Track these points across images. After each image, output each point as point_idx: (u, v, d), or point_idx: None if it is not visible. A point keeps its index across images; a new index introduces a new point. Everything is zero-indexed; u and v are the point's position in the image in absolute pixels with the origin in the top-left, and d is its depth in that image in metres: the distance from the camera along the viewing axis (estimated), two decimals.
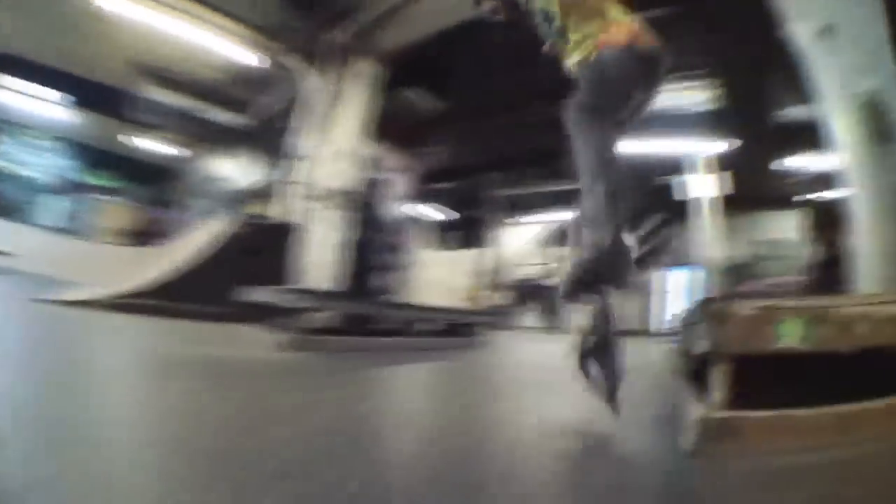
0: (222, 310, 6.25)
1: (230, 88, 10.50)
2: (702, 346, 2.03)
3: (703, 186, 12.63)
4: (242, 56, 9.07)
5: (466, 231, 20.24)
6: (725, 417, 1.83)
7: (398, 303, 8.48)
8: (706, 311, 1.92)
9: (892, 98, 4.99)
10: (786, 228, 18.02)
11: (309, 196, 8.18)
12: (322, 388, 2.98)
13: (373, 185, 8.93)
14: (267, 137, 10.21)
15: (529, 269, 20.55)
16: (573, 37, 2.79)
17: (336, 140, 8.52)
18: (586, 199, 2.50)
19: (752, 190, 16.26)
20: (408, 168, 11.99)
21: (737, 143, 12.88)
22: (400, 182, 11.20)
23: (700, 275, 17.59)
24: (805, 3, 5.67)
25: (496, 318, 12.23)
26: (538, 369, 5.21)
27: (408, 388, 3.59)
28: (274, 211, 8.57)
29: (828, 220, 6.79)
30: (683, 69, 10.29)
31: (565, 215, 19.06)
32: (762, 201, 17.56)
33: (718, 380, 1.91)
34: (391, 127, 10.46)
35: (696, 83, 11.04)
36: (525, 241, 20.71)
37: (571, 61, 2.82)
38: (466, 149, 14.35)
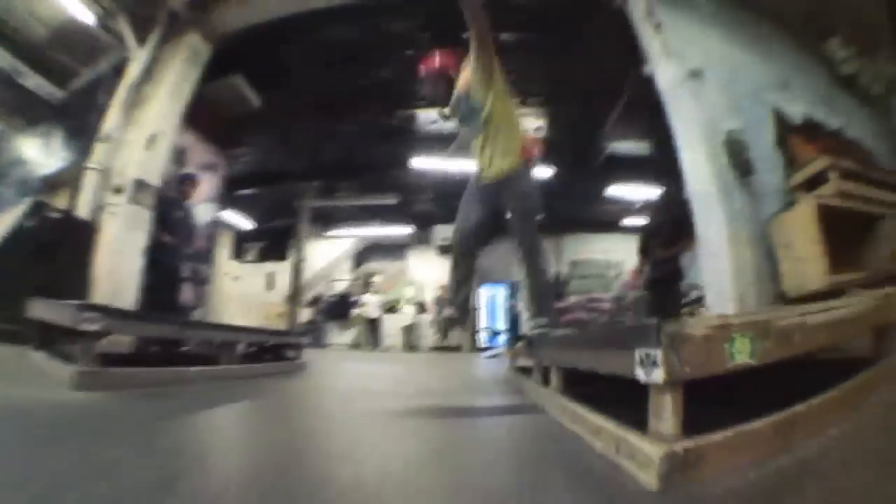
0: (5, 327, 5.00)
1: (53, 50, 8.60)
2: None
3: None
4: (76, 8, 7.44)
5: (273, 242, 19.34)
6: (689, 448, 1.60)
7: (206, 323, 7.49)
8: (664, 334, 1.62)
9: (751, 137, 5.72)
10: (605, 249, 20.01)
11: (110, 188, 6.78)
12: (123, 445, 2.15)
13: (181, 181, 7.71)
14: (81, 115, 8.41)
15: (339, 285, 20.28)
16: (500, 142, 3.76)
17: (147, 123, 7.19)
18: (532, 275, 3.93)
19: (574, 213, 17.66)
20: (216, 167, 10.82)
21: (561, 169, 13.52)
22: (207, 181, 10.01)
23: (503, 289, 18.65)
24: (677, 46, 6.18)
25: (308, 336, 11.68)
26: (370, 396, 4.58)
27: (223, 436, 2.81)
28: (71, 204, 6.97)
29: (656, 243, 7.03)
30: (522, 94, 10.60)
31: (376, 231, 19.08)
32: (584, 224, 19.26)
33: (671, 408, 1.66)
34: (205, 117, 9.43)
35: (527, 109, 11.38)
36: (335, 256, 20.30)
37: (501, 158, 3.77)
38: (280, 153, 13.60)
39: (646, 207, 9.60)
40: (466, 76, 3.74)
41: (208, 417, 3.07)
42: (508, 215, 3.91)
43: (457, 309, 4.12)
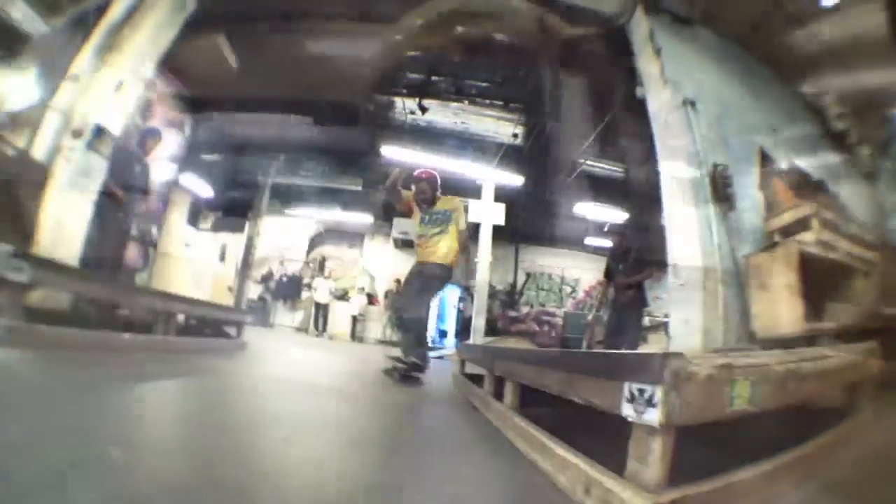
0: None
1: None
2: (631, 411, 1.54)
3: (485, 212, 12.48)
4: None
5: (230, 212, 18.85)
6: (676, 500, 1.41)
7: (146, 289, 7.09)
8: (668, 369, 1.39)
9: (735, 173, 5.75)
10: (563, 266, 20.17)
11: (69, 131, 6.30)
12: (45, 407, 1.90)
13: (144, 135, 7.28)
14: (59, 52, 7.87)
15: (291, 265, 19.94)
16: (447, 243, 5.63)
17: (118, 68, 6.68)
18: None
19: (537, 225, 17.70)
20: (182, 125, 10.36)
21: (530, 180, 13.54)
22: (170, 139, 9.56)
23: (456, 292, 18.58)
24: (674, 74, 6.13)
25: (252, 315, 11.34)
26: (305, 393, 4.26)
27: (155, 414, 2.51)
28: (29, 144, 6.46)
29: (621, 268, 7.03)
30: (499, 97, 10.51)
31: (335, 215, 18.76)
32: (545, 237, 19.39)
33: (660, 453, 1.43)
34: (179, 71, 9.01)
35: (506, 114, 11.39)
36: (291, 235, 19.92)
37: (442, 254, 5.57)
38: (249, 123, 13.14)
39: (613, 231, 9.55)
40: (454, 205, 5.95)
41: (132, 395, 2.78)
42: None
43: (421, 357, 5.49)
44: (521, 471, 2.09)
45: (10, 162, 5.95)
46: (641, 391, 1.44)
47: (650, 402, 1.39)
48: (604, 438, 1.69)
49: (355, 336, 17.06)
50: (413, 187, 6.13)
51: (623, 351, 2.80)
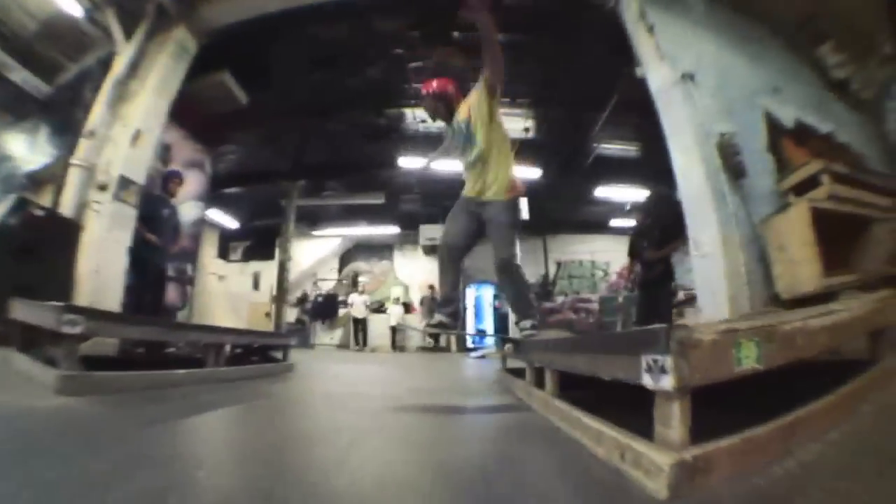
0: None
1: (41, 43, 8.38)
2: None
3: None
4: (64, 0, 7.33)
5: (258, 241, 19.21)
6: (698, 455, 1.56)
7: (191, 325, 7.36)
8: (673, 340, 1.56)
9: (743, 140, 5.72)
10: (592, 251, 20.15)
11: (94, 185, 6.55)
12: (107, 455, 2.03)
13: (166, 178, 7.55)
14: (67, 110, 8.18)
15: (325, 284, 20.19)
16: (491, 170, 4.13)
17: (132, 119, 6.96)
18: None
19: (562, 214, 17.76)
20: (202, 164, 10.68)
21: (548, 171, 13.64)
22: (192, 179, 9.86)
23: (491, 290, 18.67)
24: (670, 48, 6.18)
25: (294, 337, 11.55)
26: (360, 400, 4.49)
27: (212, 444, 2.70)
28: (55, 201, 6.75)
29: (646, 245, 7.03)
30: (510, 96, 10.60)
31: (362, 230, 18.99)
32: (571, 225, 19.43)
33: (679, 415, 1.61)
34: (192, 113, 9.30)
35: (518, 110, 11.49)
36: (321, 255, 20.21)
37: (487, 186, 4.14)
38: (267, 152, 13.49)
39: (635, 209, 9.53)
40: (469, 105, 4.12)
41: (195, 424, 2.94)
42: (488, 230, 4.22)
43: (448, 314, 4.30)
44: (565, 447, 2.28)
45: (41, 221, 6.14)
46: (656, 361, 1.61)
47: (663, 370, 1.57)
48: (636, 411, 1.83)
49: (396, 346, 17.27)
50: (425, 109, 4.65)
51: (638, 328, 2.93)
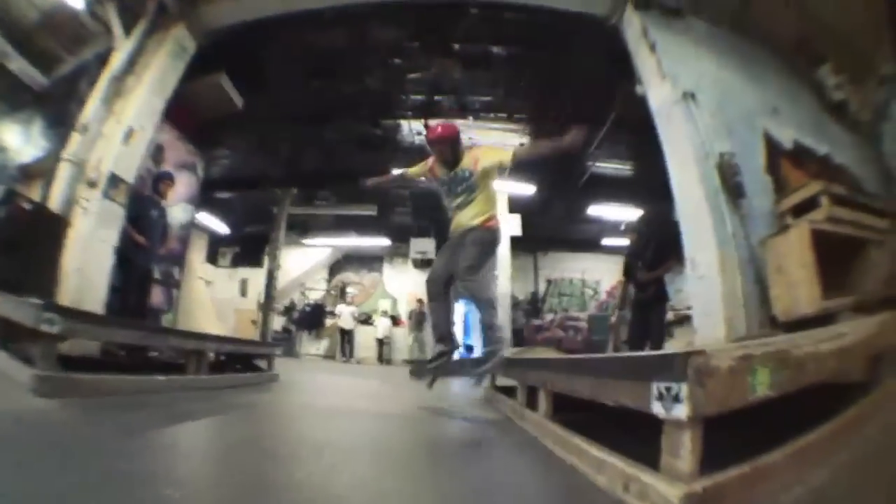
0: None
1: (41, 34, 8.22)
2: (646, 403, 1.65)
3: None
4: None
5: (248, 247, 19.06)
6: (708, 487, 1.46)
7: (174, 330, 7.19)
8: (690, 367, 1.47)
9: (742, 160, 5.73)
10: (583, 269, 20.22)
11: (84, 181, 6.38)
12: (81, 466, 1.89)
13: (157, 179, 7.43)
14: (63, 103, 8.02)
15: (313, 294, 20.09)
16: (478, 207, 4.59)
17: (126, 116, 6.78)
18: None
19: (553, 231, 17.79)
20: (194, 166, 10.52)
21: (542, 188, 13.64)
22: (184, 181, 9.69)
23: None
24: (671, 67, 6.16)
25: (280, 346, 11.39)
26: (346, 417, 4.36)
27: (190, 459, 2.56)
28: (44, 196, 6.57)
29: (640, 265, 6.98)
30: (503, 110, 10.57)
31: (353, 241, 18.91)
32: (562, 242, 19.51)
33: (690, 445, 1.51)
34: (186, 114, 9.17)
35: (511, 125, 11.49)
36: (310, 264, 20.11)
37: (469, 218, 4.58)
38: (260, 157, 13.37)
39: (629, 229, 9.53)
40: (476, 159, 4.58)
41: (172, 435, 2.81)
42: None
43: (445, 342, 4.74)
44: (563, 474, 2.17)
45: (28, 215, 6.03)
46: (668, 389, 1.52)
47: (677, 399, 1.48)
48: (636, 437, 1.75)
49: (382, 359, 17.15)
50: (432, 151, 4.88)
51: (649, 352, 2.84)
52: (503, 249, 12.59)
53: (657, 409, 1.58)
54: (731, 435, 1.74)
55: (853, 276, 4.98)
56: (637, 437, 1.73)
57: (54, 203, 6.28)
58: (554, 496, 1.98)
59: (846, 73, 7.61)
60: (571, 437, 2.37)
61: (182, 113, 8.76)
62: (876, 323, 2.74)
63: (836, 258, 4.75)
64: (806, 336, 2.02)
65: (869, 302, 4.35)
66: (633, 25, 6.63)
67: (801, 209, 5.39)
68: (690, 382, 1.45)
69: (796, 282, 4.60)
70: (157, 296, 9.08)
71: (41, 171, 7.52)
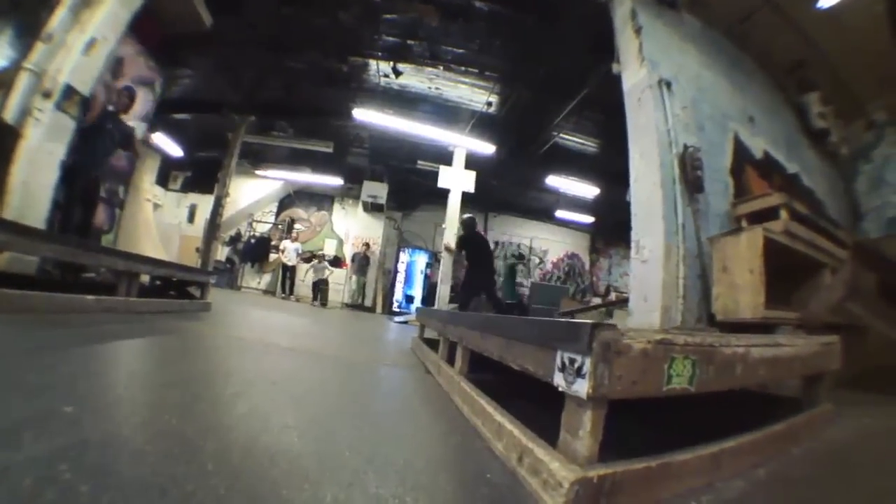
0: None
1: None
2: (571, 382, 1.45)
3: (454, 179, 12.64)
4: None
5: (200, 173, 18.57)
6: (605, 475, 1.36)
7: (108, 249, 6.95)
8: (597, 340, 1.34)
9: (707, 157, 5.76)
10: (532, 236, 20.39)
11: (40, 91, 6.04)
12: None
13: (117, 93, 7.10)
14: (33, 13, 7.53)
15: (260, 226, 19.80)
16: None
17: (91, 25, 6.39)
18: None
19: (508, 195, 17.82)
20: (153, 83, 10.04)
21: (502, 150, 13.66)
22: (140, 97, 9.25)
23: (424, 258, 18.63)
24: (653, 53, 6.07)
25: (217, 275, 11.16)
26: (270, 354, 4.21)
27: (103, 379, 2.45)
28: (1, 105, 6.20)
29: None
30: (475, 65, 10.44)
31: (305, 177, 18.62)
32: (516, 207, 19.64)
33: (590, 427, 1.40)
34: (151, 28, 8.72)
35: (485, 83, 11.39)
36: (260, 196, 19.81)
37: None
38: (221, 81, 12.89)
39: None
40: None
41: (87, 354, 2.75)
42: None
43: None
44: (463, 436, 2.07)
45: None
46: (572, 360, 1.39)
47: (579, 373, 1.35)
48: (547, 407, 1.64)
49: (316, 299, 16.73)
50: None
51: (559, 319, 2.74)
52: (453, 202, 12.66)
53: (558, 380, 1.45)
54: (652, 426, 1.66)
55: (799, 295, 4.99)
56: (547, 406, 1.64)
57: (9, 114, 5.96)
58: (446, 456, 1.86)
59: (833, 105, 7.77)
60: (478, 398, 2.28)
61: (147, 24, 8.30)
62: (818, 343, 2.66)
63: (784, 273, 4.76)
64: (739, 338, 1.90)
65: (812, 322, 4.36)
66: (623, 5, 6.52)
67: (758, 216, 5.45)
68: (595, 357, 1.32)
69: (741, 285, 4.57)
70: (98, 215, 8.73)
71: (3, 81, 7.13)
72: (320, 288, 16.83)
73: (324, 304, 15.67)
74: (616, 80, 6.48)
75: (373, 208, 18.65)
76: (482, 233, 10.84)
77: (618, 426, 1.46)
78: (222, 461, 1.43)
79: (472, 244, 10.07)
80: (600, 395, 1.35)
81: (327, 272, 16.79)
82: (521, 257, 14.99)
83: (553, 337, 1.55)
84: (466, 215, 10.63)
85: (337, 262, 18.90)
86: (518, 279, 19.68)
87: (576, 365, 1.37)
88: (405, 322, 11.09)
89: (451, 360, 3.30)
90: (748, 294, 4.46)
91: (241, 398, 2.21)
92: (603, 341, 1.33)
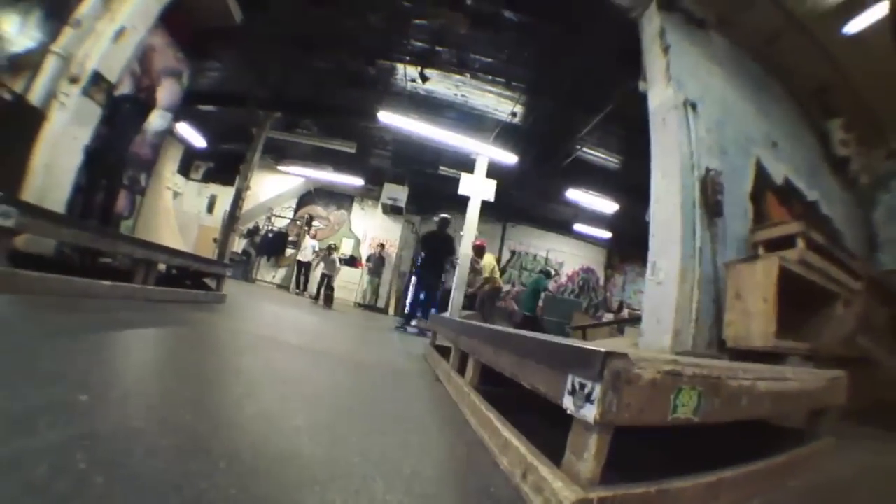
0: None
1: None
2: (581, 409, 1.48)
3: (475, 186, 12.51)
4: None
5: (222, 165, 18.71)
6: (605, 498, 1.39)
7: (127, 236, 7.02)
8: (608, 368, 1.38)
9: (728, 181, 5.67)
10: (549, 248, 20.36)
11: (66, 75, 6.09)
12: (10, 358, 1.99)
13: (142, 81, 7.19)
14: None
15: (278, 221, 19.87)
16: None
17: (121, 13, 6.46)
18: None
19: (527, 205, 17.79)
20: (180, 74, 10.16)
21: (524, 160, 13.64)
22: (166, 88, 9.36)
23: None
24: (679, 73, 6.04)
25: (233, 267, 11.21)
26: (280, 351, 4.25)
27: (116, 368, 2.49)
28: (26, 87, 6.30)
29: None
30: (502, 75, 10.44)
31: (327, 175, 18.69)
32: (534, 218, 19.61)
33: (595, 450, 1.43)
34: (182, 20, 8.82)
35: (507, 92, 11.39)
36: (280, 191, 19.89)
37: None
38: (248, 76, 12.96)
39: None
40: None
41: (102, 341, 2.79)
42: None
43: None
44: (469, 447, 2.10)
45: (6, 106, 5.78)
46: (583, 385, 1.42)
47: (588, 398, 1.38)
48: (553, 426, 1.68)
49: (319, 298, 15.41)
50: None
51: (572, 342, 2.77)
52: (472, 209, 12.55)
53: (567, 403, 1.48)
54: (652, 449, 1.68)
55: (811, 326, 4.96)
56: (554, 425, 1.68)
57: (35, 96, 6.03)
58: (451, 467, 1.89)
59: (856, 132, 7.69)
60: (486, 411, 2.31)
61: (177, 18, 8.41)
62: (825, 378, 2.65)
63: (798, 303, 4.73)
64: (746, 370, 1.91)
65: (822, 354, 4.34)
66: (652, 23, 6.47)
67: (775, 244, 5.39)
68: (605, 384, 1.35)
69: (753, 313, 4.55)
70: (119, 201, 8.83)
71: (30, 63, 7.22)
72: (328, 290, 14.91)
73: (328, 304, 14.78)
74: (642, 97, 6.45)
75: (392, 210, 18.69)
76: (451, 235, 10.83)
77: (620, 444, 1.47)
78: (234, 460, 1.47)
79: (431, 245, 10.51)
80: (608, 422, 1.38)
81: (337, 266, 16.39)
82: (548, 274, 14.79)
83: (565, 361, 1.58)
84: (443, 215, 10.75)
85: (353, 261, 18.96)
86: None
87: (586, 390, 1.40)
88: (417, 332, 10.41)
89: (461, 370, 3.32)
90: (760, 322, 4.44)
91: (249, 398, 2.24)
92: (614, 370, 1.36)
